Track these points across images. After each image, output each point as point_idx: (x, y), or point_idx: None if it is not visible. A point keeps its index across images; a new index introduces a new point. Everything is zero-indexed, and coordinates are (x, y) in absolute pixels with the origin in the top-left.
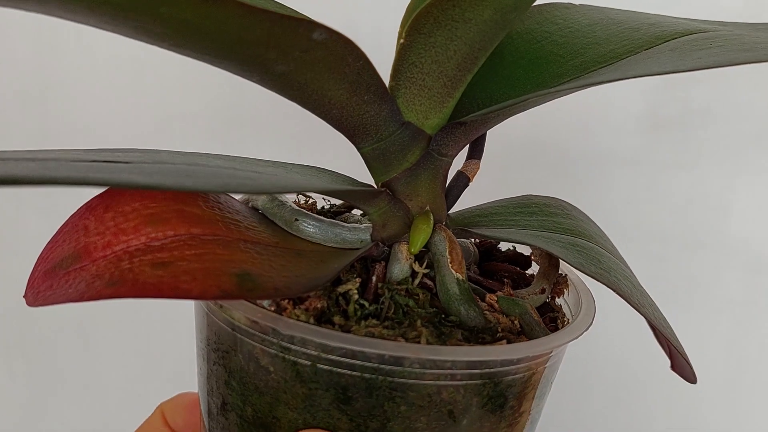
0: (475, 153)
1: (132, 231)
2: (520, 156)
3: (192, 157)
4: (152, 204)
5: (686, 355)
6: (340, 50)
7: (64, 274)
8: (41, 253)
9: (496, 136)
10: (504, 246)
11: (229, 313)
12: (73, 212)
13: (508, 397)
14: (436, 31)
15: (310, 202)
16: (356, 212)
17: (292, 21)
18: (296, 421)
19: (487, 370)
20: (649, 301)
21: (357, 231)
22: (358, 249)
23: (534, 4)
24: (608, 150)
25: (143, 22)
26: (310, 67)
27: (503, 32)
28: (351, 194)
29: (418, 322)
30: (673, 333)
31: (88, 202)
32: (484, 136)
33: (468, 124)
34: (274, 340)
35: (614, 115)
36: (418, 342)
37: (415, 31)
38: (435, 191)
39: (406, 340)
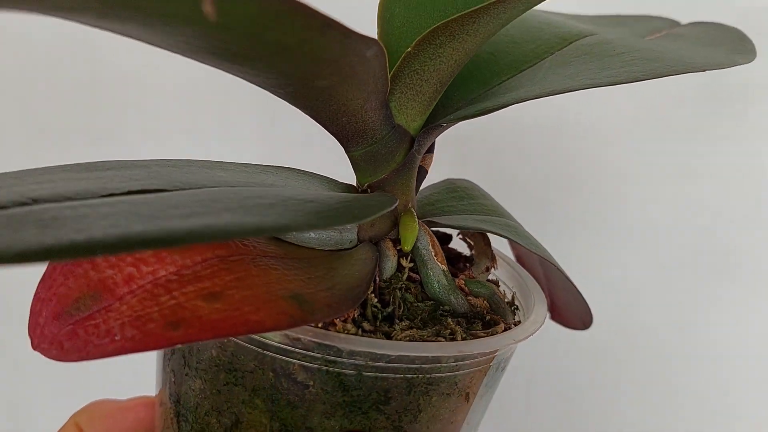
0: (430, 147)
1: (153, 259)
2: (573, 123)
3: (213, 171)
4: None
5: (582, 298)
6: (378, 63)
7: (87, 317)
8: (37, 294)
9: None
10: None
11: None
12: None
13: (503, 371)
14: (447, 42)
15: None
16: None
17: (359, 38)
18: (333, 428)
19: (498, 353)
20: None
21: (344, 231)
22: (349, 249)
23: None
24: (661, 120)
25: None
26: (349, 80)
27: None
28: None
29: (449, 320)
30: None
31: None
32: None
33: (444, 126)
34: (318, 355)
35: (672, 85)
36: (454, 339)
37: (426, 42)
38: (412, 188)
39: (444, 339)
